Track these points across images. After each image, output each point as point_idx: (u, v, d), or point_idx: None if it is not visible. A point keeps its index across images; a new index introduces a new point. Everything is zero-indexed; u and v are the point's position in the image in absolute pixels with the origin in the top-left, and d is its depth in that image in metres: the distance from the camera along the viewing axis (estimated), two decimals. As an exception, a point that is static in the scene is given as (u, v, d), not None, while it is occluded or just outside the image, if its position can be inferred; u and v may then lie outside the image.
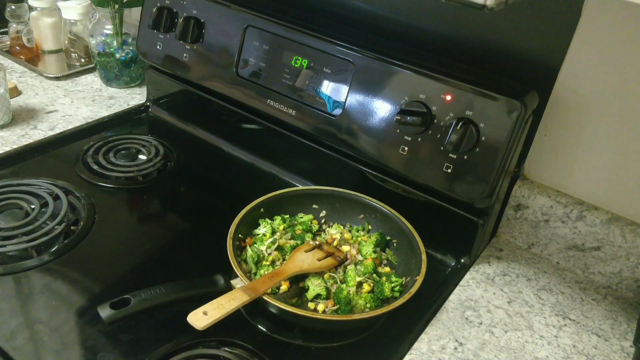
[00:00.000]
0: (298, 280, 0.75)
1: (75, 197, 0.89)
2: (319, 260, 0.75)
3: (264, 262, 0.76)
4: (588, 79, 0.78)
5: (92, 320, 0.68)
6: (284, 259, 0.77)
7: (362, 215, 0.86)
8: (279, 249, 0.78)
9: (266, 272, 0.73)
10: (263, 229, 0.81)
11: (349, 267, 0.77)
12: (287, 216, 0.84)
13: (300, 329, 0.71)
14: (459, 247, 0.86)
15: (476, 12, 0.50)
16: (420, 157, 0.80)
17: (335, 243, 0.82)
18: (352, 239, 0.83)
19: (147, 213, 0.92)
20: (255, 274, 0.75)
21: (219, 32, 0.98)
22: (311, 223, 0.84)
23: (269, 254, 0.77)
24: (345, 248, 0.80)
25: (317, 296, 0.72)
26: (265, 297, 0.68)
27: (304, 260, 0.73)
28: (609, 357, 0.72)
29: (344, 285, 0.74)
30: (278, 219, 0.83)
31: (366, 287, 0.74)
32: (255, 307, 0.72)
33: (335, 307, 0.71)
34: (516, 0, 0.52)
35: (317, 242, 0.78)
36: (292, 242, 0.79)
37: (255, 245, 0.78)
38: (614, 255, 0.82)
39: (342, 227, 0.85)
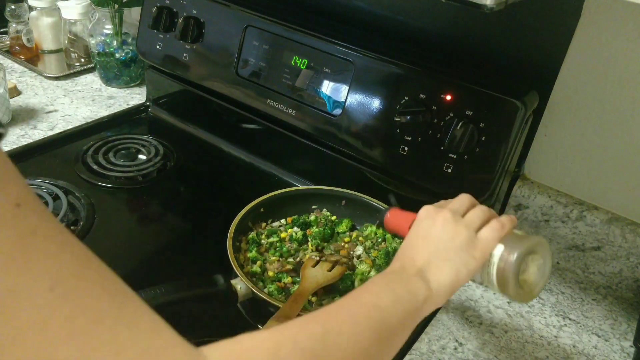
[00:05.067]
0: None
1: (75, 197, 0.89)
2: (329, 271, 0.75)
3: (272, 258, 0.77)
4: (588, 78, 0.78)
5: (92, 320, 0.68)
6: (290, 256, 0.78)
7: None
8: (295, 241, 0.80)
9: (274, 266, 0.75)
10: (280, 220, 0.85)
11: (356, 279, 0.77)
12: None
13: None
14: (459, 247, 0.86)
15: (476, 12, 0.50)
16: (420, 157, 0.80)
17: (347, 239, 0.82)
18: (362, 238, 0.83)
19: (147, 213, 0.92)
20: (256, 274, 0.75)
21: (219, 32, 0.98)
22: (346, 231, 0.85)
23: (289, 246, 0.80)
24: (358, 249, 0.80)
25: None
26: (265, 297, 0.68)
27: (316, 275, 0.73)
28: (609, 357, 0.72)
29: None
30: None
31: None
32: (255, 307, 0.72)
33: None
34: (516, 0, 0.52)
35: (319, 255, 0.78)
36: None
37: (272, 236, 0.81)
38: (614, 255, 0.82)
39: (351, 222, 0.85)
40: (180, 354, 0.30)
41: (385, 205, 0.84)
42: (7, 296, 0.25)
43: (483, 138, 0.74)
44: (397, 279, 0.48)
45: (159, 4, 1.02)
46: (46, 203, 0.85)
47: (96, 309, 0.27)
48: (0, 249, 0.25)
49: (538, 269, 0.54)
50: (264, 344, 0.35)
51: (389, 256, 0.78)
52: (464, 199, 0.56)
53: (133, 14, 1.22)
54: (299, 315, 0.65)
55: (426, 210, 0.55)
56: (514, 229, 0.55)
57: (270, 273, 0.75)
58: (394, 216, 0.65)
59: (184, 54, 1.02)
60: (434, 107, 0.77)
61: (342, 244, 0.82)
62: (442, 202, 0.57)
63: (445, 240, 0.51)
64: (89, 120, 1.11)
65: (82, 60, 1.31)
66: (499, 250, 0.52)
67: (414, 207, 0.85)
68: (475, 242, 0.51)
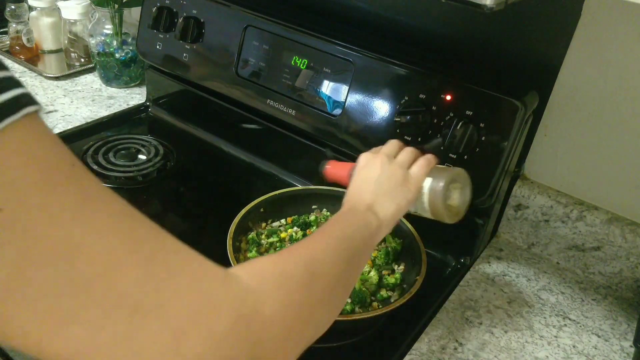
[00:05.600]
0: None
1: (75, 197, 0.89)
2: None
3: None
4: (588, 78, 0.78)
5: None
6: None
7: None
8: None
9: None
10: (280, 220, 0.85)
11: None
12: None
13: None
14: (459, 247, 0.86)
15: (476, 12, 0.50)
16: (420, 157, 0.80)
17: None
18: None
19: (146, 213, 0.90)
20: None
21: (218, 32, 0.98)
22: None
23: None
24: None
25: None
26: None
27: None
28: (609, 358, 0.72)
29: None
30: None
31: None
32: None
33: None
34: (516, 0, 0.52)
35: None
36: None
37: (272, 236, 0.80)
38: (614, 255, 0.82)
39: None
40: (218, 273, 0.36)
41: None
42: (81, 243, 0.29)
43: (483, 138, 0.74)
44: (352, 215, 0.58)
45: (159, 4, 1.02)
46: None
47: (150, 242, 0.33)
48: (67, 202, 0.29)
49: (460, 194, 0.65)
50: (271, 262, 0.43)
51: (388, 256, 0.78)
52: (393, 143, 0.67)
53: (133, 14, 1.22)
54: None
55: (365, 157, 0.65)
56: (437, 164, 0.65)
57: (270, 273, 0.75)
58: (334, 167, 0.73)
59: (184, 54, 1.02)
60: (434, 107, 0.77)
61: (342, 244, 0.82)
62: (375, 148, 0.67)
63: (385, 180, 0.61)
64: (89, 120, 1.11)
65: (82, 60, 1.31)
66: (427, 182, 0.62)
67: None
68: (409, 178, 0.62)
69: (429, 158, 0.64)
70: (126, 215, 0.33)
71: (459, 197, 0.65)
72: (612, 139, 0.79)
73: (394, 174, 0.61)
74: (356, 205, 0.59)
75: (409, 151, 0.65)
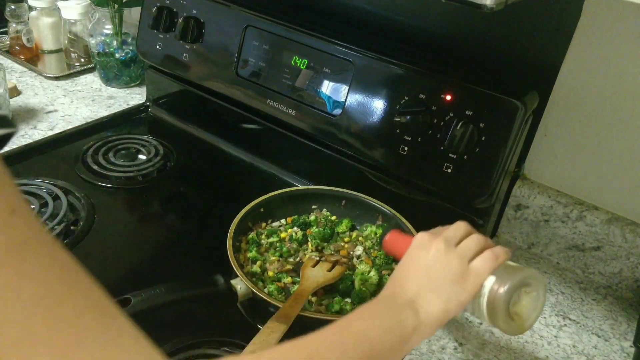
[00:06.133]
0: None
1: (74, 197, 0.89)
2: (329, 271, 0.75)
3: (272, 258, 0.77)
4: (588, 78, 0.78)
5: (92, 320, 0.68)
6: (290, 256, 0.78)
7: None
8: (295, 241, 0.80)
9: (274, 266, 0.75)
10: (280, 220, 0.85)
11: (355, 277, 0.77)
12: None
13: (301, 329, 0.70)
14: (459, 247, 0.86)
15: (476, 12, 0.50)
16: (420, 157, 0.80)
17: (347, 239, 0.82)
18: (362, 238, 0.83)
19: (146, 213, 0.92)
20: (256, 274, 0.75)
21: (218, 32, 0.98)
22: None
23: (288, 245, 0.79)
24: (358, 249, 0.80)
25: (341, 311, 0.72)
26: (265, 297, 0.68)
27: (316, 275, 0.73)
28: (609, 357, 0.72)
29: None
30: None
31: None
32: (255, 307, 0.72)
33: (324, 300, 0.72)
34: (516, 0, 0.52)
35: (319, 255, 0.78)
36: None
37: (272, 236, 0.80)
38: (614, 255, 0.82)
39: (351, 222, 0.85)
40: None
41: (387, 206, 0.83)
42: None
43: (483, 138, 0.74)
44: (387, 307, 0.49)
45: (159, 4, 1.02)
46: (46, 203, 0.85)
47: (79, 325, 0.27)
48: None
49: (531, 301, 0.53)
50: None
51: (388, 256, 0.78)
52: (459, 226, 0.56)
53: (133, 14, 1.22)
54: (298, 315, 0.65)
55: (420, 237, 0.55)
56: (507, 260, 0.54)
57: (270, 273, 0.75)
58: (392, 239, 0.65)
59: (184, 54, 1.02)
60: (434, 107, 0.77)
61: (342, 244, 0.82)
62: (438, 228, 0.56)
63: (436, 271, 0.51)
64: (89, 120, 1.11)
65: (82, 60, 1.31)
66: (490, 281, 0.52)
67: (413, 208, 0.86)
68: (467, 273, 0.51)
69: (497, 252, 0.53)
70: (62, 285, 0.27)
71: (529, 305, 0.53)
72: (612, 139, 0.79)
73: (449, 264, 0.51)
74: (396, 294, 0.50)
75: (475, 239, 0.53)
